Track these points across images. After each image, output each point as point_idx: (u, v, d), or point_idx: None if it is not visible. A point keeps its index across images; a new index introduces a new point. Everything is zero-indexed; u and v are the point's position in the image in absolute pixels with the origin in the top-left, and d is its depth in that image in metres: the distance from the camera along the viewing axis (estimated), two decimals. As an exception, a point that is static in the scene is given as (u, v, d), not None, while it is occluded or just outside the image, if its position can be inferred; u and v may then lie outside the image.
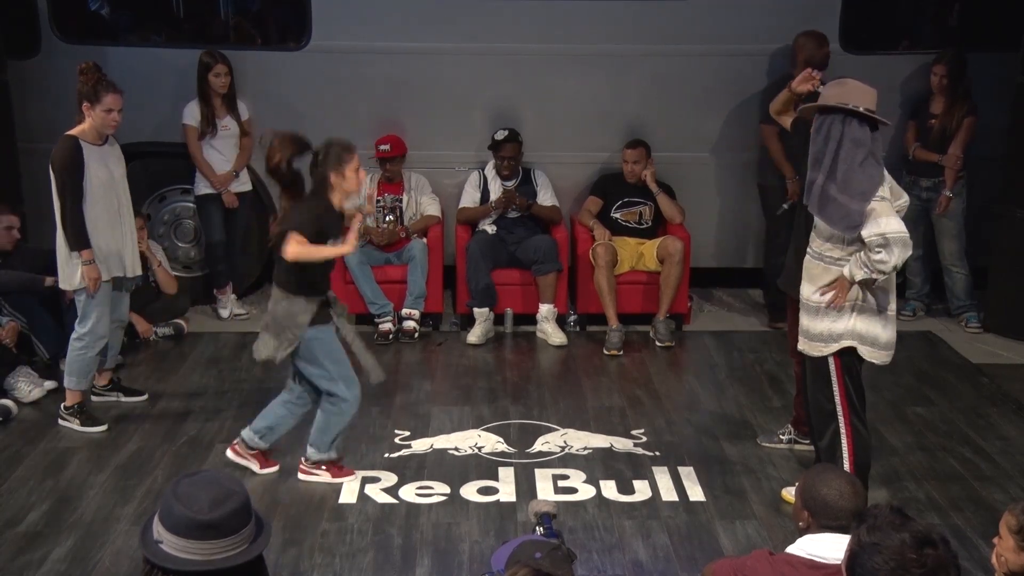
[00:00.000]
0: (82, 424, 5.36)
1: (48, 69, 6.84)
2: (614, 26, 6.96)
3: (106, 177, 5.20)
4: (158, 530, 2.14)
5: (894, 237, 4.05)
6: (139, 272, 5.57)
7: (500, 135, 6.85)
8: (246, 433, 4.92)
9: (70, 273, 5.18)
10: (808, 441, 5.04)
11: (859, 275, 4.15)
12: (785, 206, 6.86)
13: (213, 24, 7.51)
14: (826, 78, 4.68)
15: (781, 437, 5.22)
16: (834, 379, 4.33)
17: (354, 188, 4.74)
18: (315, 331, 4.68)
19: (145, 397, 5.74)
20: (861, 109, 4.11)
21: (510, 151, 6.84)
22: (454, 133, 7.15)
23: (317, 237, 4.57)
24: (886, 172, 4.23)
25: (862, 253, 4.12)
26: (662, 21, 6.96)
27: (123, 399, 5.70)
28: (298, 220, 4.56)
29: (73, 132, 5.13)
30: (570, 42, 6.98)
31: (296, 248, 4.50)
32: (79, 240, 5.11)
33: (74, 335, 5.30)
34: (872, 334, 4.29)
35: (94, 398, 5.64)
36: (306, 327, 4.65)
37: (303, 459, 4.91)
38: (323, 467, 4.88)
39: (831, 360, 4.32)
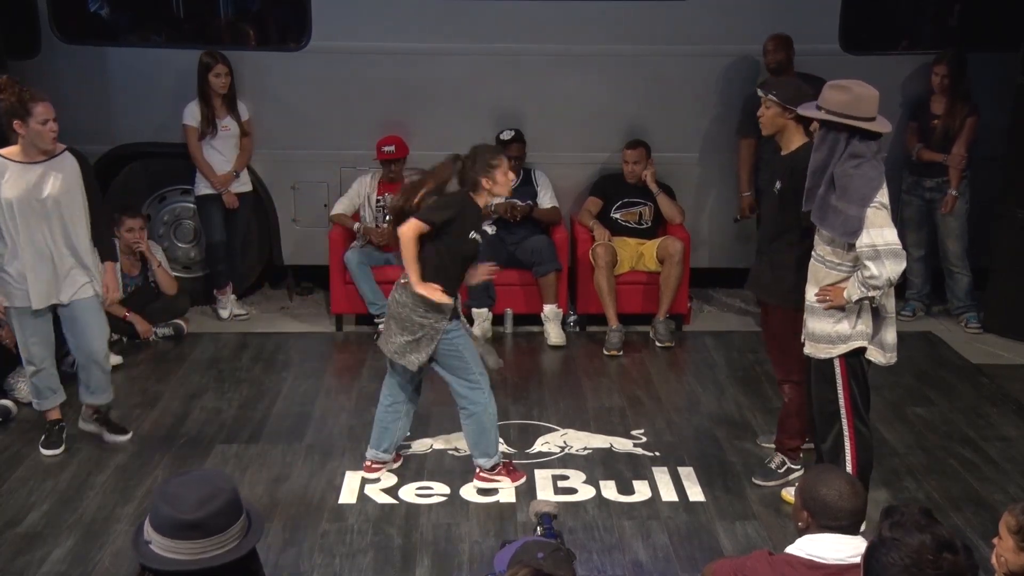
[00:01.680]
0: (43, 445, 5.14)
1: (48, 70, 6.84)
2: (614, 26, 6.96)
3: (25, 196, 4.71)
4: (147, 530, 2.15)
5: (885, 249, 4.02)
6: (85, 295, 4.96)
7: (506, 135, 6.83)
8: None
9: None
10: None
11: (855, 295, 4.14)
12: (737, 217, 6.97)
13: (213, 24, 7.51)
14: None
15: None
16: (839, 382, 4.32)
17: (504, 191, 4.79)
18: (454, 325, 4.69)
19: (129, 436, 5.27)
20: (865, 126, 4.08)
21: (516, 151, 6.83)
22: (454, 133, 7.12)
23: (445, 227, 4.59)
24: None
25: (859, 272, 4.12)
26: (662, 21, 6.96)
27: (106, 435, 5.24)
28: (429, 210, 4.58)
29: (2, 152, 4.77)
30: (570, 42, 6.98)
31: (407, 231, 4.52)
32: None
33: None
34: (879, 336, 4.29)
35: (80, 424, 5.29)
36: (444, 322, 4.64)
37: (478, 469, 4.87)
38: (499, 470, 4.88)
39: (837, 362, 4.31)
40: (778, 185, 4.63)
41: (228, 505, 2.15)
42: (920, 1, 7.75)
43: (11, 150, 4.76)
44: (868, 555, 2.44)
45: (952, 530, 2.48)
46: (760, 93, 4.66)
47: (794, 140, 4.59)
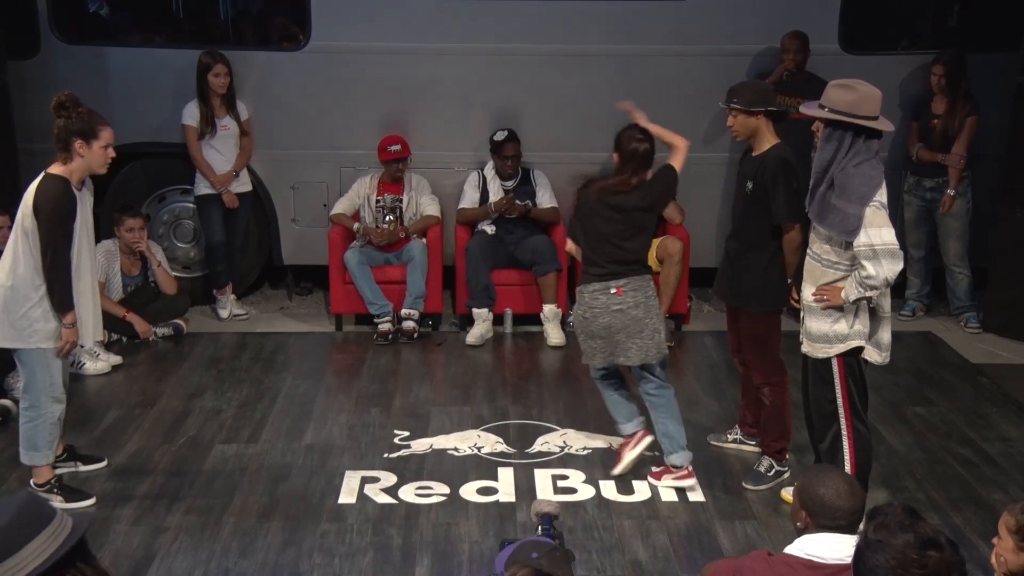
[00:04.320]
0: (66, 500, 4.57)
1: (48, 70, 6.85)
2: (613, 26, 6.97)
3: (85, 226, 4.50)
4: None
5: (882, 249, 4.02)
6: (99, 338, 4.98)
7: (500, 136, 6.84)
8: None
9: (24, 328, 4.41)
10: (754, 443, 5.14)
11: (853, 295, 4.14)
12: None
13: (213, 24, 7.52)
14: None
15: (727, 437, 5.30)
16: (836, 381, 4.32)
17: None
18: None
19: (104, 463, 5.01)
20: (870, 124, 4.09)
21: (512, 150, 6.84)
22: (454, 133, 7.15)
23: None
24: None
25: (856, 272, 4.12)
26: (661, 21, 6.96)
27: (81, 468, 4.94)
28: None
29: (59, 172, 4.40)
30: (570, 42, 6.98)
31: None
32: (67, 300, 4.40)
33: (24, 403, 4.58)
34: (875, 335, 4.30)
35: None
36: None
37: (669, 467, 4.87)
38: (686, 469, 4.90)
39: (834, 362, 4.31)
40: (749, 185, 4.67)
41: (9, 528, 1.92)
42: (920, 1, 7.75)
43: (68, 170, 4.40)
44: (856, 558, 2.44)
45: (936, 526, 2.48)
46: (722, 105, 4.72)
47: (766, 141, 4.65)
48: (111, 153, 4.46)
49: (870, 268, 4.04)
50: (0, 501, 2.03)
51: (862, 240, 4.04)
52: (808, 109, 4.29)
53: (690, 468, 4.87)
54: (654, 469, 4.92)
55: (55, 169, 4.41)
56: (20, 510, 1.96)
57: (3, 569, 1.90)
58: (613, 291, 4.66)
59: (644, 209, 4.73)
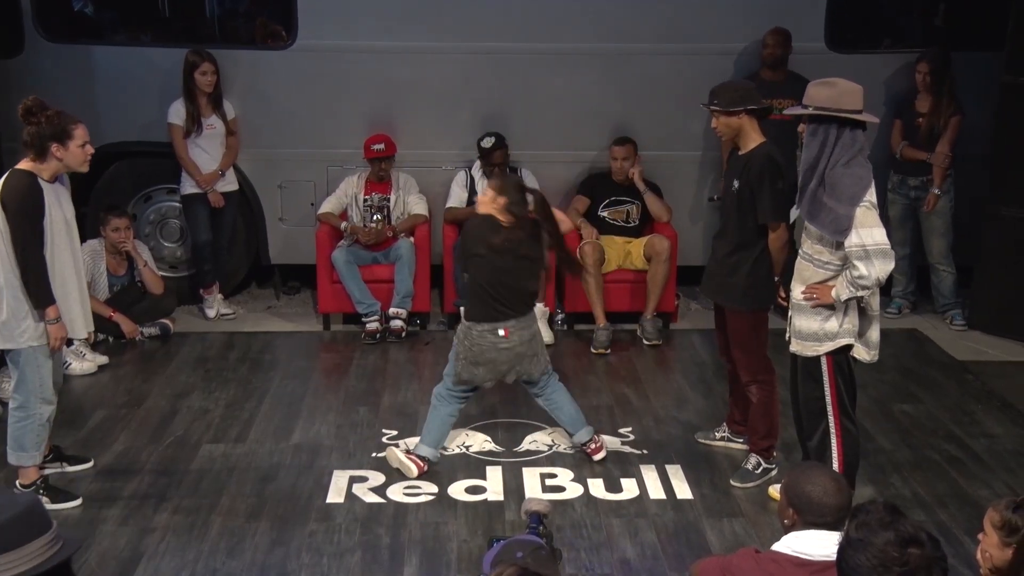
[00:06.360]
0: (52, 501, 4.52)
1: (32, 68, 6.81)
2: (602, 25, 6.97)
3: (61, 220, 4.47)
4: None
5: (874, 249, 4.04)
6: (91, 329, 4.94)
7: (487, 143, 6.80)
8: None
9: (13, 328, 4.41)
10: (741, 440, 5.15)
11: (844, 294, 4.16)
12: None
13: (199, 23, 7.49)
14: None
15: (715, 435, 5.31)
16: (825, 379, 4.34)
17: None
18: None
19: (91, 464, 4.99)
20: (856, 117, 4.11)
21: (500, 157, 6.82)
22: (441, 132, 7.15)
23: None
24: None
25: (848, 271, 4.14)
26: (649, 20, 6.97)
27: (68, 468, 4.93)
28: None
29: (27, 167, 4.38)
30: (558, 41, 6.98)
31: None
32: (44, 295, 4.37)
33: (14, 404, 4.58)
34: (864, 333, 4.32)
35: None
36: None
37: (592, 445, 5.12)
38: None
39: (823, 360, 4.32)
40: (735, 184, 4.68)
41: (17, 521, 1.97)
42: (905, 1, 7.78)
43: (35, 166, 4.39)
44: (839, 557, 2.44)
45: (919, 523, 2.48)
46: (704, 107, 4.75)
47: (751, 139, 4.67)
48: (89, 150, 4.45)
49: (862, 268, 4.06)
50: (6, 496, 2.08)
51: (854, 240, 4.06)
52: (793, 111, 4.34)
53: (598, 442, 5.11)
54: (592, 446, 5.10)
55: (23, 164, 4.39)
56: (28, 509, 2.00)
57: (2, 560, 1.94)
58: (501, 332, 4.80)
59: (534, 258, 4.89)
